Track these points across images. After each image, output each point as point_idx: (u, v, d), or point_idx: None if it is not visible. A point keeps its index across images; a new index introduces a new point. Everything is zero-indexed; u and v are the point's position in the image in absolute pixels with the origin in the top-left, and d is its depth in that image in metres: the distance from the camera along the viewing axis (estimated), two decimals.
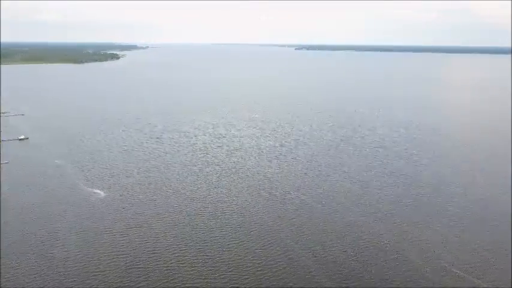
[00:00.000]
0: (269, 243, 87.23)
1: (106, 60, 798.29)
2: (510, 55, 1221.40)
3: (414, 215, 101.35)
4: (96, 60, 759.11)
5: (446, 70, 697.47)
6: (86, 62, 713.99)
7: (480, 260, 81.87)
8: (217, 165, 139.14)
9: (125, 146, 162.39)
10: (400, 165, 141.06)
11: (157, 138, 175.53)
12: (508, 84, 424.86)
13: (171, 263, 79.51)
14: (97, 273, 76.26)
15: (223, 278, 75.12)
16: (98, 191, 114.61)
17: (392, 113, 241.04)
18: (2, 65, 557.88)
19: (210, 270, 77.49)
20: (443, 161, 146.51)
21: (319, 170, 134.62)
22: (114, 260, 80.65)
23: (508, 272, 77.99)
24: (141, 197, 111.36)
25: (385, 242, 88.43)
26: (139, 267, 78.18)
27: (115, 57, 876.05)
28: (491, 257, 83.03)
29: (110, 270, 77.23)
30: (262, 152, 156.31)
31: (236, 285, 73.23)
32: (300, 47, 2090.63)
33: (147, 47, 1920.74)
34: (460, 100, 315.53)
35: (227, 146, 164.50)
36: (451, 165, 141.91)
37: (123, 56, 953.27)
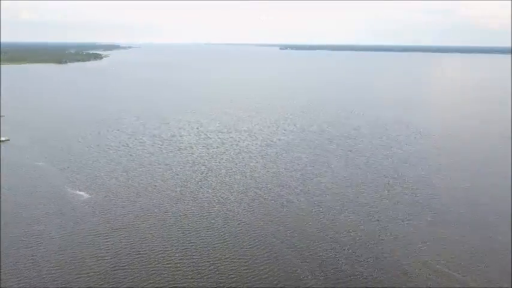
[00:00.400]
0: (255, 243, 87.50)
1: (89, 60, 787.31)
2: (510, 55, 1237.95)
3: (397, 212, 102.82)
4: (78, 60, 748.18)
5: (429, 69, 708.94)
6: (69, 62, 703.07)
7: (462, 256, 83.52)
8: (203, 165, 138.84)
9: (109, 146, 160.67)
10: (383, 163, 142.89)
11: (142, 138, 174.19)
12: (506, 83, 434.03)
13: (157, 264, 79.11)
14: (81, 275, 75.39)
15: (209, 278, 75.09)
16: (81, 193, 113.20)
17: (379, 113, 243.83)
18: None
19: (196, 270, 77.35)
20: (428, 159, 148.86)
21: (304, 169, 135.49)
22: (98, 261, 79.82)
23: (496, 270, 79.51)
24: (125, 198, 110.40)
25: (369, 239, 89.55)
26: (125, 269, 77.55)
27: (98, 57, 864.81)
28: (474, 253, 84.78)
29: (94, 272, 76.41)
30: (247, 151, 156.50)
31: (222, 285, 73.27)
32: (285, 47, 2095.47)
33: (130, 47, 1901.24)
34: (448, 99, 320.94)
35: (212, 146, 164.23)
36: (435, 163, 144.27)
37: (106, 56, 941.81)
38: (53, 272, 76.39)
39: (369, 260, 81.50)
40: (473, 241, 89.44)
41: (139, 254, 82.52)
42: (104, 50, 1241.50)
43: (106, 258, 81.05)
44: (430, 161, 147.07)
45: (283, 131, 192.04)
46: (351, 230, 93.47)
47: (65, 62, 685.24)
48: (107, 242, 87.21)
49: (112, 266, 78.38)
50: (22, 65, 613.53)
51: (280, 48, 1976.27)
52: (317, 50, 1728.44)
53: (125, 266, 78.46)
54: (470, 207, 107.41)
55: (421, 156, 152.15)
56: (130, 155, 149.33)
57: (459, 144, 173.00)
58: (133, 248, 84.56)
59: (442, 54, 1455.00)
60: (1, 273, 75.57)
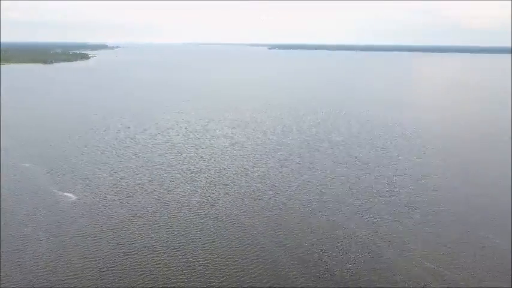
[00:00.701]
0: (244, 242, 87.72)
1: (76, 60, 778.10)
2: (510, 54, 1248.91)
3: (386, 211, 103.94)
4: (65, 60, 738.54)
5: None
6: (55, 62, 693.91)
7: (451, 254, 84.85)
8: (192, 165, 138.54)
9: (97, 147, 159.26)
10: (372, 162, 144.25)
11: (130, 139, 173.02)
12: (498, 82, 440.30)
13: (146, 265, 78.83)
14: (69, 277, 74.73)
15: (199, 278, 75.09)
16: (69, 194, 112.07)
17: (368, 111, 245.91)
18: None
19: (186, 270, 77.30)
20: (417, 158, 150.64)
21: (293, 168, 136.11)
22: (86, 263, 79.22)
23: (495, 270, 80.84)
24: (114, 199, 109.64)
25: (358, 237, 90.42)
26: (114, 270, 77.10)
27: (85, 57, 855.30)
28: (462, 251, 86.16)
29: (82, 273, 75.81)
30: (236, 150, 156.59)
31: (212, 285, 73.34)
32: (273, 47, 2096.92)
33: (118, 46, 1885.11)
34: (435, 98, 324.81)
35: (201, 146, 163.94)
36: (424, 162, 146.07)
37: (93, 56, 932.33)
38: (39, 274, 75.58)
39: (357, 258, 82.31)
40: (463, 240, 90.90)
41: (128, 255, 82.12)
42: (91, 50, 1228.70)
43: (94, 259, 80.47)
44: (420, 160, 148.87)
45: (272, 131, 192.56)
46: (339, 229, 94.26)
47: (51, 62, 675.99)
48: (94, 243, 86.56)
49: (100, 267, 77.85)
50: (6, 65, 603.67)
51: (269, 48, 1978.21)
52: (309, 50, 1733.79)
53: (113, 267, 78.02)
54: (460, 206, 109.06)
55: (411, 156, 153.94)
56: (118, 156, 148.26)
57: (449, 143, 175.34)
58: (122, 249, 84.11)
59: (433, 54, 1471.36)
60: None
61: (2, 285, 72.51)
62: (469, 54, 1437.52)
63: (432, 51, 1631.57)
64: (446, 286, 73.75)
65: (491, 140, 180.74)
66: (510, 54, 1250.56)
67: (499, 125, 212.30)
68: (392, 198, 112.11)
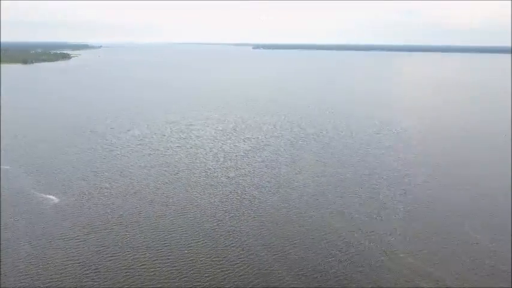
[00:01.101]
0: (230, 242, 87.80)
1: (57, 60, 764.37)
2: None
3: (370, 209, 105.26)
4: (45, 60, 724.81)
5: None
6: (35, 62, 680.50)
7: (434, 250, 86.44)
8: (177, 166, 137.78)
9: (80, 148, 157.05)
10: (357, 160, 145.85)
11: (113, 140, 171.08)
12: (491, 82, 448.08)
13: (132, 266, 78.22)
14: (52, 280, 73.67)
15: (183, 278, 74.89)
16: (51, 197, 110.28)
17: (352, 110, 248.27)
18: None
19: (171, 271, 76.99)
20: (403, 157, 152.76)
21: (279, 168, 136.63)
22: (70, 266, 78.17)
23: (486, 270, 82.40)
24: (98, 201, 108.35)
25: (344, 235, 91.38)
26: (98, 272, 76.27)
27: (66, 57, 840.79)
28: (444, 247, 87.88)
29: (65, 276, 74.81)
30: (222, 151, 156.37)
31: (197, 285, 73.21)
32: (257, 46, 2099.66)
33: (101, 46, 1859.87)
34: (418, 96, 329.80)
35: (186, 146, 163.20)
36: (411, 161, 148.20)
37: (74, 56, 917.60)
38: (21, 278, 74.28)
39: (342, 257, 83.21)
40: (444, 236, 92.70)
41: (113, 257, 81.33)
42: (72, 50, 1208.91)
43: (78, 262, 79.46)
44: (406, 158, 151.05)
45: (257, 131, 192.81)
46: (325, 228, 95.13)
47: (31, 62, 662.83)
48: (78, 245, 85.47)
49: (84, 270, 76.92)
50: None
51: (253, 48, 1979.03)
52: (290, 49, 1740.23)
53: (98, 269, 77.19)
54: (442, 204, 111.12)
55: (396, 154, 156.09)
56: (101, 157, 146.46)
57: (436, 141, 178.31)
58: (106, 251, 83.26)
59: (417, 53, 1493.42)
60: None
61: None
62: (448, 53, 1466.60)
63: (415, 51, 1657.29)
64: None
65: (477, 139, 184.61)
66: (510, 54, 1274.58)
67: (484, 124, 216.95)
68: (376, 196, 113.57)
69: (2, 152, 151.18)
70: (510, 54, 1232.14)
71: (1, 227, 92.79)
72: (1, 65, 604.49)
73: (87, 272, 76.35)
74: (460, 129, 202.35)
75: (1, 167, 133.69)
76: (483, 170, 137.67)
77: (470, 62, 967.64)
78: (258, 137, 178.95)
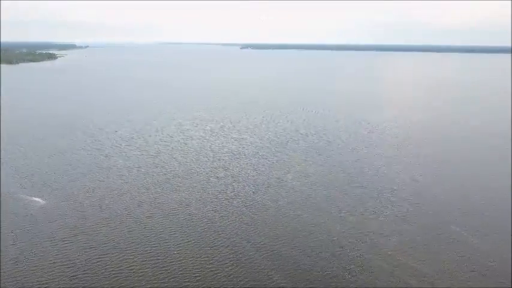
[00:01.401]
0: (219, 242, 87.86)
1: (42, 60, 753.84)
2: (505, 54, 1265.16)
3: (359, 208, 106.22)
4: (30, 61, 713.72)
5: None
6: (20, 62, 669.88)
7: (423, 248, 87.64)
8: (166, 166, 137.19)
9: (66, 149, 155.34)
10: (347, 160, 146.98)
11: (100, 140, 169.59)
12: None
13: (120, 268, 77.78)
14: (39, 283, 72.91)
15: (173, 279, 74.74)
16: (37, 199, 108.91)
17: (341, 111, 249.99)
18: None
19: (160, 271, 76.76)
20: (390, 155, 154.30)
21: (268, 168, 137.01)
22: (57, 267, 77.41)
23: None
24: (85, 202, 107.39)
25: (332, 234, 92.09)
26: (86, 273, 75.68)
27: (52, 57, 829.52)
28: (433, 245, 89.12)
29: (53, 278, 74.09)
30: (210, 151, 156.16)
31: (186, 285, 73.14)
32: (245, 46, 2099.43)
33: (87, 46, 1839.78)
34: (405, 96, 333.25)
35: (174, 146, 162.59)
36: (399, 161, 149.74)
37: (60, 56, 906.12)
38: (8, 282, 73.29)
39: (330, 256, 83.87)
40: (433, 234, 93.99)
41: (101, 258, 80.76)
42: (58, 50, 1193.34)
43: (66, 264, 78.74)
44: (396, 157, 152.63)
45: (246, 131, 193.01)
46: (314, 227, 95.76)
47: (16, 63, 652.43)
48: (65, 247, 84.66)
49: (72, 272, 76.27)
50: None
51: (241, 48, 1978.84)
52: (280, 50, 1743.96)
53: (86, 271, 76.59)
54: (430, 202, 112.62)
55: (387, 154, 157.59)
56: (90, 158, 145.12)
57: (424, 141, 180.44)
58: (94, 253, 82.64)
59: (395, 52, 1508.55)
60: None
61: None
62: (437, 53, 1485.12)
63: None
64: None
65: (472, 140, 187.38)
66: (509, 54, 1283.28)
67: (481, 125, 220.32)
68: (364, 195, 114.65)
69: None
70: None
71: None
72: None
73: (76, 273, 75.72)
74: (455, 129, 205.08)
75: None
76: (475, 170, 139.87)
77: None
78: (246, 137, 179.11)
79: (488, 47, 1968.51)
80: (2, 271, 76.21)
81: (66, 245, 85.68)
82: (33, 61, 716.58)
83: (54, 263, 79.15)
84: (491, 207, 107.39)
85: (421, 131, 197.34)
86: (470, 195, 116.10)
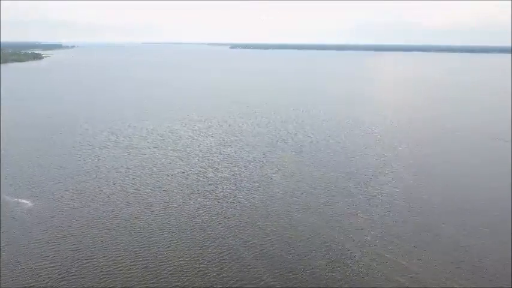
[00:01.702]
0: (208, 242, 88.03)
1: (27, 60, 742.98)
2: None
3: (348, 207, 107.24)
4: (15, 61, 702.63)
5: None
6: (5, 62, 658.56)
7: (410, 246, 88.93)
8: (154, 166, 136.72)
9: (52, 150, 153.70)
10: (333, 159, 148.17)
11: (87, 141, 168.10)
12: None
13: (108, 268, 77.47)
14: (27, 285, 72.20)
15: (162, 279, 74.70)
16: (24, 201, 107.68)
17: (328, 109, 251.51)
18: None
19: (150, 272, 76.65)
20: (379, 155, 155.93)
21: (257, 168, 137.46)
22: (45, 270, 76.79)
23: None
24: (73, 204, 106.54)
25: (322, 234, 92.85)
26: (75, 276, 75.20)
27: (37, 57, 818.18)
28: (420, 242, 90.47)
29: (41, 281, 73.48)
30: (198, 151, 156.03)
31: (175, 285, 73.17)
32: (235, 46, 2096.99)
33: (74, 46, 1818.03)
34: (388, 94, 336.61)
35: (163, 146, 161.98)
36: (385, 160, 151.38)
37: (46, 56, 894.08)
38: None
39: (322, 255, 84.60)
40: (420, 231, 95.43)
41: (89, 260, 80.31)
42: (43, 50, 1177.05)
43: (53, 266, 78.13)
44: (386, 156, 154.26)
45: (235, 131, 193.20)
46: (303, 227, 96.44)
47: (5, 62, 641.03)
48: (53, 249, 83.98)
49: (60, 273, 75.74)
50: None
51: (231, 48, 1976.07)
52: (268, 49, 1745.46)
53: (74, 273, 76.11)
54: (417, 200, 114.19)
55: (375, 153, 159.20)
56: (77, 159, 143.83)
57: (411, 140, 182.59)
58: (82, 254, 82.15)
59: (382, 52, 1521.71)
60: None
61: None
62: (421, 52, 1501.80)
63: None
64: (427, 286, 77.33)
65: (463, 139, 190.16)
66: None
67: (472, 125, 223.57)
68: (354, 195, 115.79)
69: None
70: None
71: None
72: None
73: (63, 275, 75.20)
74: (446, 129, 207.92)
75: None
76: (466, 170, 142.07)
77: (467, 61, 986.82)
78: (236, 137, 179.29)
79: (487, 46, 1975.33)
80: None
81: (54, 247, 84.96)
82: (19, 61, 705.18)
83: (41, 265, 78.44)
84: (485, 207, 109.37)
85: (412, 131, 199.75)
86: (463, 194, 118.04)
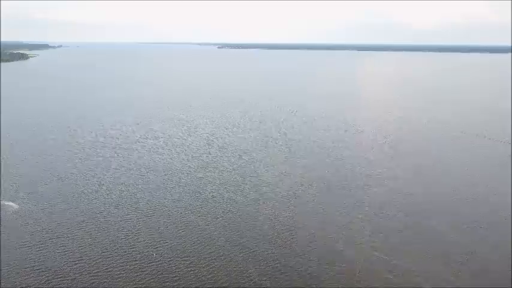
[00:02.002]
0: (198, 242, 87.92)
1: (13, 60, 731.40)
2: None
3: (338, 206, 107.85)
4: (1, 61, 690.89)
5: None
6: None
7: (399, 243, 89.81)
8: (142, 166, 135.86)
9: (39, 151, 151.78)
10: (321, 158, 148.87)
11: (73, 142, 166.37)
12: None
13: (97, 271, 76.87)
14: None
15: (152, 280, 74.38)
16: (11, 203, 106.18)
17: (310, 107, 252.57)
18: None
19: (139, 273, 76.24)
20: (368, 153, 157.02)
21: (246, 167, 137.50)
22: (33, 273, 75.90)
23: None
24: (61, 206, 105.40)
25: (312, 233, 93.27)
26: (63, 277, 74.49)
27: (23, 57, 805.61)
28: (409, 239, 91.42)
29: (29, 284, 72.58)
30: (186, 149, 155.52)
31: (165, 285, 72.91)
32: (222, 46, 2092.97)
33: (60, 46, 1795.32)
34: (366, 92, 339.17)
35: (151, 146, 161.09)
36: (372, 158, 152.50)
37: (32, 56, 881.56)
38: None
39: (309, 254, 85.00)
40: (409, 229, 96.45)
41: (77, 262, 79.60)
42: (29, 50, 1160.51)
43: (41, 269, 77.28)
44: (374, 155, 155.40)
45: (223, 130, 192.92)
46: (293, 226, 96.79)
47: None
48: (41, 252, 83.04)
49: (48, 275, 74.94)
50: None
51: (218, 47, 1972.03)
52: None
53: (62, 275, 75.37)
54: (405, 198, 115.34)
55: (364, 151, 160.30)
56: (62, 160, 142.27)
57: (399, 139, 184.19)
58: (71, 257, 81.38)
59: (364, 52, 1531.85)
60: None
61: None
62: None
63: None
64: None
65: (450, 139, 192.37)
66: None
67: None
68: (343, 193, 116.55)
69: None
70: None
71: None
72: None
73: (51, 278, 74.42)
74: (436, 129, 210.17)
75: None
76: (454, 169, 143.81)
77: (455, 60, 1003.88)
78: (224, 137, 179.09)
79: (476, 46, 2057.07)
80: None
81: (42, 250, 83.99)
82: (4, 61, 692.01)
83: (29, 268, 77.50)
84: (473, 205, 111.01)
85: (398, 130, 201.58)
86: (451, 193, 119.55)
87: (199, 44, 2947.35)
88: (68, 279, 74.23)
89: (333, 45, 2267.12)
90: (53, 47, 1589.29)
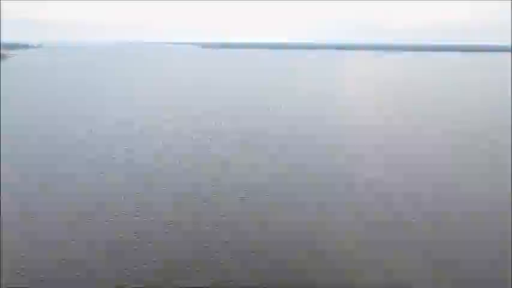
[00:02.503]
0: (185, 241, 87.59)
1: None
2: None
3: (328, 205, 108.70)
4: None
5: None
6: None
7: (382, 240, 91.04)
8: (128, 166, 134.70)
9: (25, 152, 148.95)
10: (309, 157, 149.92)
11: (57, 142, 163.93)
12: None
13: (81, 273, 75.69)
14: None
15: (136, 280, 73.71)
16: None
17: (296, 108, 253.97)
18: None
19: (124, 273, 75.46)
20: (356, 151, 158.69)
21: (236, 166, 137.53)
22: (19, 278, 74.25)
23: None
24: (46, 207, 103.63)
25: (301, 232, 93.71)
26: (51, 280, 73.20)
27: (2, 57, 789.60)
28: (392, 236, 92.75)
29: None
30: (177, 149, 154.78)
31: (150, 285, 72.37)
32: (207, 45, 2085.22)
33: (41, 46, 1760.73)
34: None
35: (137, 145, 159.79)
36: (362, 157, 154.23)
37: (11, 56, 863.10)
38: None
39: (300, 251, 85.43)
40: (392, 225, 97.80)
41: (64, 263, 78.38)
42: (7, 50, 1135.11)
43: (27, 273, 75.74)
44: (362, 153, 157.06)
45: (207, 129, 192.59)
46: (282, 224, 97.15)
47: None
48: (26, 256, 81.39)
49: (36, 280, 73.50)
50: None
51: (202, 47, 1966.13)
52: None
53: (50, 278, 74.08)
54: (390, 193, 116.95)
55: (352, 150, 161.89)
56: (48, 159, 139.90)
57: (385, 138, 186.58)
58: (58, 259, 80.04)
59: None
60: None
61: None
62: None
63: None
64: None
65: (426, 133, 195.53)
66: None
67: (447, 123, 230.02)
68: (332, 191, 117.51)
69: None
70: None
71: None
72: None
73: (40, 282, 73.03)
74: (425, 128, 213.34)
75: None
76: (442, 163, 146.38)
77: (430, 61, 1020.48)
78: (212, 135, 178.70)
79: (454, 45, 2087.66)
80: None
81: (28, 254, 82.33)
82: None
83: (15, 273, 75.91)
84: (457, 202, 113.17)
85: (385, 129, 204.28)
86: (427, 187, 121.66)
87: (176, 43, 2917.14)
88: (55, 280, 72.91)
89: (316, 44, 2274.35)
90: (34, 47, 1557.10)
